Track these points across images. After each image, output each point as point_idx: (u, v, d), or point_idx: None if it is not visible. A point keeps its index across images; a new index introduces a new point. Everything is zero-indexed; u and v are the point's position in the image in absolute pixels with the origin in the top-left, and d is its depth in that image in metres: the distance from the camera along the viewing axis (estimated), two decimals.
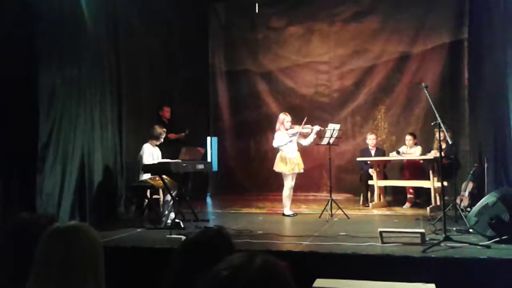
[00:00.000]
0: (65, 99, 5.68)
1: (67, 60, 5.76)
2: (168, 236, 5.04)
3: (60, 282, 1.52)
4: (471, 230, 4.90)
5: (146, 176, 6.22)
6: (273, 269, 0.97)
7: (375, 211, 7.22)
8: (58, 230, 1.63)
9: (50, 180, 5.38)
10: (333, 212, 6.41)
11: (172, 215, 5.94)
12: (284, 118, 6.76)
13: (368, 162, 7.92)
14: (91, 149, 6.12)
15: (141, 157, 6.27)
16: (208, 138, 9.94)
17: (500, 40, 5.17)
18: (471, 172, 6.84)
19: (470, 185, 6.81)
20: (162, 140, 6.47)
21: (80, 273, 1.56)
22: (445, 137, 5.26)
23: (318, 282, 3.58)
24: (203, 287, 0.95)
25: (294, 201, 7.15)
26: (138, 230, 5.65)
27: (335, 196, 7.03)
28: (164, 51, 8.24)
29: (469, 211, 5.43)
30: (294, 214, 6.70)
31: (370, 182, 7.74)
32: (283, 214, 6.69)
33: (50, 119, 5.43)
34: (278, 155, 6.73)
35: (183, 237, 4.38)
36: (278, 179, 7.04)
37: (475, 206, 4.96)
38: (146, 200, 6.50)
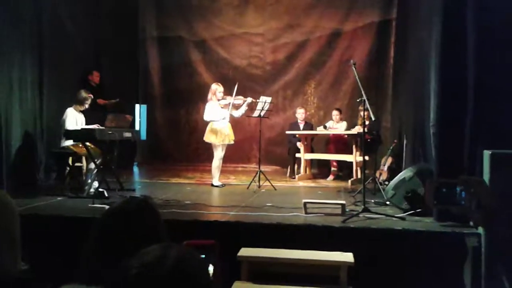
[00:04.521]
0: None
1: None
2: (90, 205, 4.90)
3: None
4: (388, 203, 5.21)
5: (68, 143, 5.96)
6: (187, 267, 0.93)
7: (301, 183, 7.44)
8: None
9: None
10: (261, 184, 6.52)
11: (96, 184, 5.76)
12: (217, 89, 6.71)
13: (297, 135, 8.11)
14: (9, 111, 5.73)
15: (64, 122, 5.99)
16: (137, 106, 9.63)
17: (425, 21, 5.39)
18: (391, 147, 7.22)
19: (389, 160, 7.19)
20: (87, 105, 6.20)
21: None
22: (368, 114, 5.48)
23: (243, 251, 3.67)
24: (112, 284, 0.91)
25: (223, 172, 7.18)
26: (59, 198, 5.45)
27: (263, 168, 7.14)
28: (92, 12, 7.80)
29: (387, 185, 5.73)
30: (223, 185, 6.74)
31: (297, 155, 7.95)
32: (212, 185, 6.71)
33: None
34: (209, 126, 6.68)
35: (107, 207, 4.28)
36: (208, 149, 7.03)
37: (393, 180, 5.27)
38: (68, 168, 6.24)
